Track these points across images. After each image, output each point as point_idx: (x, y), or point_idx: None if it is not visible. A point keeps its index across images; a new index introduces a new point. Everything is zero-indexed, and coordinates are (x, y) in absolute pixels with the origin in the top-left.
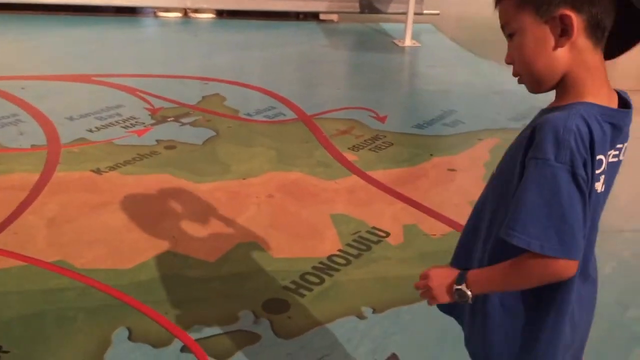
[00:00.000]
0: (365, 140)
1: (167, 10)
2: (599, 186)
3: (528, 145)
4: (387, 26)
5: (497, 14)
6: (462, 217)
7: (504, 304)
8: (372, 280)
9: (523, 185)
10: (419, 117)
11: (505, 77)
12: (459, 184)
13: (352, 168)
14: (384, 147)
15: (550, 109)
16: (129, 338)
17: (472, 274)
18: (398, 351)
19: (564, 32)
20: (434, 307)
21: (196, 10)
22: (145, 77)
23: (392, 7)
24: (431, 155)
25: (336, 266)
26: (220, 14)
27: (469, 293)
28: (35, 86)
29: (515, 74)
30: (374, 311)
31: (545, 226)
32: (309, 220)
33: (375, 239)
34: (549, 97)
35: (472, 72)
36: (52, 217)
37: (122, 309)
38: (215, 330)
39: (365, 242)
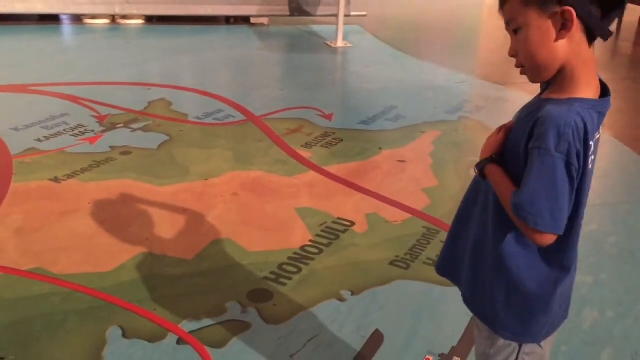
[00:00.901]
0: (316, 138)
1: (94, 17)
2: (590, 166)
3: (530, 136)
4: (317, 28)
5: (416, 9)
6: (419, 203)
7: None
8: (346, 266)
9: (527, 170)
10: (363, 114)
11: (433, 74)
12: (410, 174)
13: (308, 164)
14: (335, 143)
15: (548, 99)
16: (124, 336)
17: (491, 171)
18: (380, 327)
19: (563, 26)
20: (405, 287)
21: (125, 17)
22: (85, 85)
23: (321, 10)
24: (380, 148)
25: (310, 255)
26: (150, 19)
27: (478, 172)
28: None
29: (518, 65)
30: (353, 293)
31: (541, 206)
32: (276, 215)
33: (342, 228)
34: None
35: (404, 69)
36: (19, 227)
37: (111, 310)
38: (206, 322)
39: (333, 231)
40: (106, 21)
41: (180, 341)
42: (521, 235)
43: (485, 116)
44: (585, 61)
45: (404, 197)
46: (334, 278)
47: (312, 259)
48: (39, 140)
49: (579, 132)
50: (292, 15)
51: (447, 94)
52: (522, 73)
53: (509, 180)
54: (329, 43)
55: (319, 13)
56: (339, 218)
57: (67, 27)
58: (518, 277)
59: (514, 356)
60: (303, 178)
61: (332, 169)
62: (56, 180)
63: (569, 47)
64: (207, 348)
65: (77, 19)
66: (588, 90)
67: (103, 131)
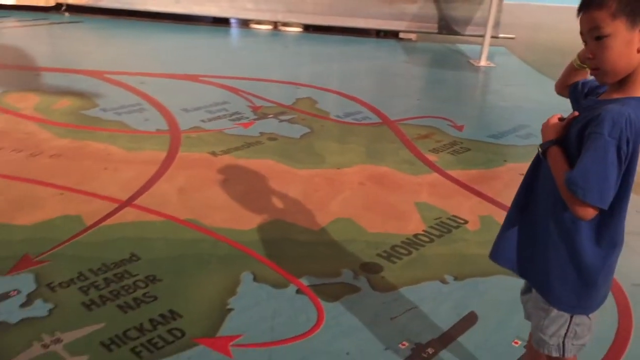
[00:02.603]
0: (444, 145)
1: (259, 22)
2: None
3: (584, 127)
4: (463, 47)
5: (570, 35)
6: None
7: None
8: (453, 255)
9: (583, 151)
10: (493, 128)
11: None
12: None
13: (433, 167)
14: (461, 152)
15: (608, 100)
16: (254, 280)
17: (552, 152)
18: (475, 310)
19: None
20: (505, 282)
21: (285, 24)
22: (245, 80)
23: (469, 30)
24: (505, 161)
25: (422, 242)
26: (307, 28)
27: (541, 152)
28: (152, 82)
29: (594, 67)
30: (455, 279)
31: (591, 181)
32: (396, 205)
33: (455, 224)
34: None
35: (543, 91)
36: (181, 186)
37: (246, 259)
38: (323, 280)
39: (446, 226)
40: (269, 27)
41: (299, 291)
42: (588, 221)
43: None
44: None
45: None
46: (440, 264)
47: (423, 246)
48: (203, 121)
49: (631, 122)
50: (440, 32)
51: None
52: (592, 74)
53: (566, 161)
54: (472, 61)
55: (466, 32)
56: (453, 215)
57: (235, 29)
58: (574, 252)
59: (566, 326)
60: (426, 178)
61: (455, 173)
62: (214, 154)
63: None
64: (320, 300)
65: (244, 23)
66: None
67: (255, 119)
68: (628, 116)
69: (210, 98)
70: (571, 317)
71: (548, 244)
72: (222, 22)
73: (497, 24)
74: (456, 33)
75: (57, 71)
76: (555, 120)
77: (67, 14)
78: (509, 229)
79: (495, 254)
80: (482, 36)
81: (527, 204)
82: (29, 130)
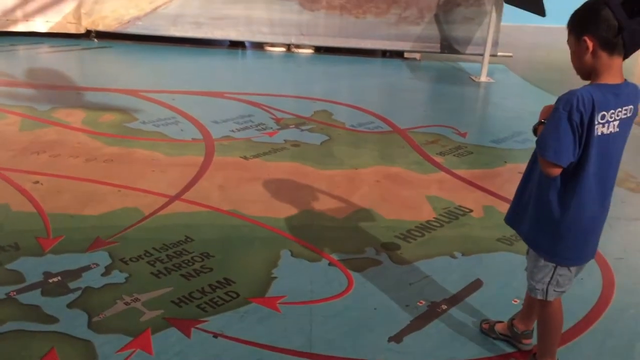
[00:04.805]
0: (449, 149)
1: (273, 45)
2: (604, 130)
3: None
4: (464, 64)
5: (565, 54)
6: None
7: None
8: (461, 237)
9: (546, 122)
10: (494, 135)
11: None
12: None
13: (440, 167)
14: (465, 154)
15: None
16: (292, 255)
17: (539, 129)
18: (481, 278)
19: (587, 48)
20: (507, 257)
21: (298, 46)
22: (266, 96)
23: (470, 49)
24: (505, 162)
25: (433, 227)
26: (318, 49)
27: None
28: (182, 98)
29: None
30: (463, 254)
31: (548, 142)
32: (410, 198)
33: (461, 212)
34: None
35: (539, 103)
36: (220, 184)
37: (284, 240)
38: (350, 256)
39: (454, 214)
40: (283, 49)
41: (330, 264)
42: (554, 180)
43: None
44: (608, 67)
45: None
46: (450, 243)
47: (434, 229)
48: (232, 130)
49: (582, 99)
50: (442, 52)
51: None
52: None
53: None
54: (473, 77)
55: (467, 52)
56: (460, 205)
57: (250, 52)
58: (549, 208)
59: (550, 275)
60: (434, 176)
61: (460, 172)
62: (245, 158)
63: (593, 60)
64: (349, 270)
65: (260, 46)
66: (607, 81)
67: (279, 129)
68: (580, 94)
69: (237, 111)
70: (555, 267)
71: (530, 202)
72: (238, 45)
73: (495, 43)
74: (458, 52)
75: (96, 90)
76: (546, 106)
77: (96, 40)
78: (515, 196)
79: (509, 220)
80: (482, 55)
81: (528, 177)
82: (80, 140)
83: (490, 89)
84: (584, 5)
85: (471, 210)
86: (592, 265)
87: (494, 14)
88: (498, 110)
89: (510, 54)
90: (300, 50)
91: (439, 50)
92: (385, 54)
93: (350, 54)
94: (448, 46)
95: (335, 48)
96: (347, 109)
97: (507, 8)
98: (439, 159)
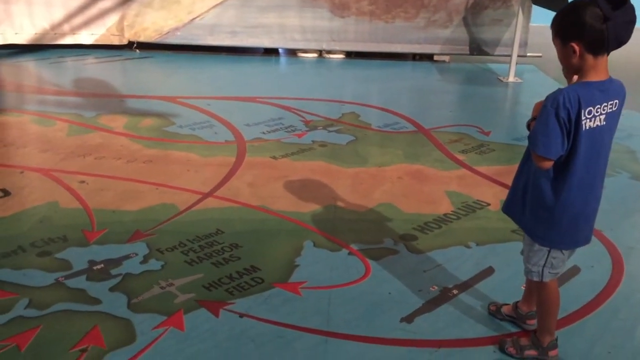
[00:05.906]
0: (472, 147)
1: (305, 51)
2: (591, 124)
3: None
4: (493, 65)
5: None
6: None
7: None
8: (476, 228)
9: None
10: (518, 133)
11: None
12: None
13: (461, 164)
14: (487, 152)
15: None
16: (314, 245)
17: (532, 125)
18: (493, 266)
19: (574, 52)
20: (519, 246)
21: (329, 52)
22: (296, 100)
23: (499, 50)
24: None
25: (450, 219)
26: (349, 54)
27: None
28: (216, 104)
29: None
30: (477, 244)
31: (538, 137)
32: (429, 193)
33: (479, 206)
34: None
35: None
36: (250, 182)
37: (307, 232)
38: (369, 246)
39: (471, 208)
40: (315, 55)
41: (350, 254)
42: (547, 171)
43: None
44: (594, 67)
45: None
46: (465, 234)
47: (451, 222)
48: (263, 133)
49: (568, 97)
50: (471, 54)
51: None
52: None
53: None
54: (501, 78)
55: (496, 53)
56: (478, 200)
57: (283, 58)
58: (542, 197)
59: (544, 258)
60: (455, 173)
61: (481, 169)
62: (274, 158)
63: (579, 62)
64: (367, 259)
65: (292, 52)
66: (593, 79)
67: (307, 130)
68: (566, 93)
69: (268, 115)
70: (549, 251)
71: (525, 191)
72: (271, 53)
73: (524, 44)
74: (486, 54)
75: (137, 97)
76: (537, 103)
77: (137, 50)
78: (511, 187)
79: (506, 208)
80: (510, 55)
81: (521, 168)
82: (122, 143)
83: (517, 89)
84: (569, 8)
85: (488, 204)
86: (603, 253)
87: (521, 15)
88: (524, 109)
89: (539, 54)
90: (332, 56)
91: (467, 53)
92: (415, 57)
93: (381, 58)
94: (477, 48)
95: (366, 53)
96: (374, 110)
97: (539, 9)
98: (461, 157)
